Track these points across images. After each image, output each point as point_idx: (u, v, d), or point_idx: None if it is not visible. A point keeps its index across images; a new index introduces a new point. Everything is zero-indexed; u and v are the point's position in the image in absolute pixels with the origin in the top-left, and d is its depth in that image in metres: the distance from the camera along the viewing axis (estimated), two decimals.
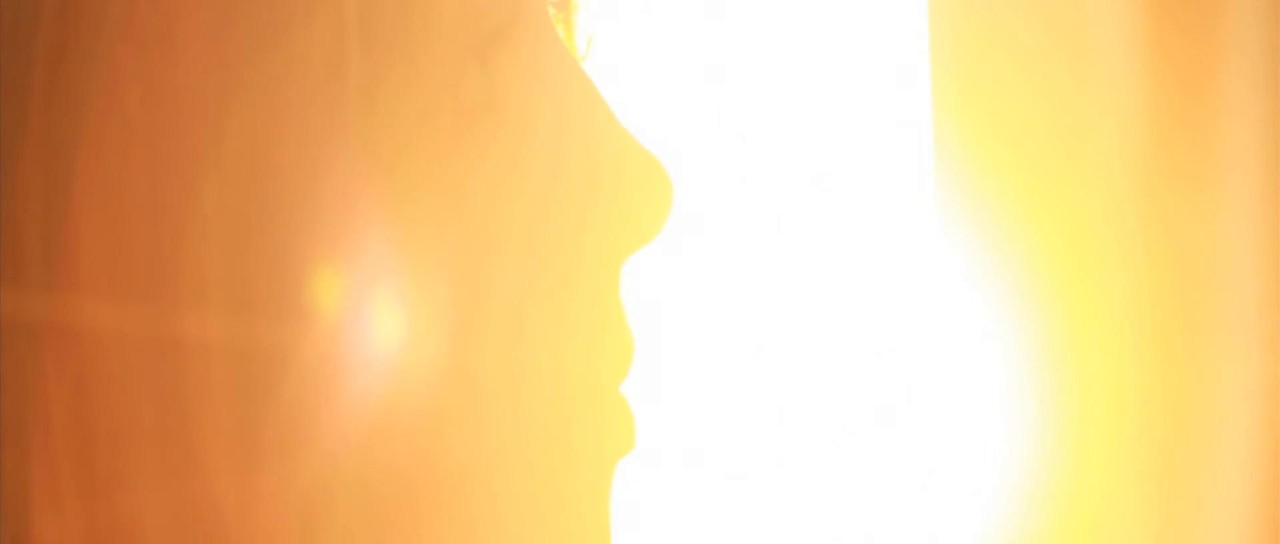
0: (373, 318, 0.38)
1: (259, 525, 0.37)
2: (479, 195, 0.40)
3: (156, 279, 0.37)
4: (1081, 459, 1.05)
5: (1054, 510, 1.05)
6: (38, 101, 0.36)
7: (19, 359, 0.36)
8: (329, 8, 0.37)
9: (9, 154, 0.36)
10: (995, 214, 1.04)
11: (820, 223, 1.09)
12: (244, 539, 0.37)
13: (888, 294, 1.09)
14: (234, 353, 0.37)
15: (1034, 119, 1.03)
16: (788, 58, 1.09)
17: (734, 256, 1.08)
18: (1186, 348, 1.04)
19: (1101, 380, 1.04)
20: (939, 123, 1.05)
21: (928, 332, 1.08)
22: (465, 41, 0.39)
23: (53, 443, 0.36)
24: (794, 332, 1.09)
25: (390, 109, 0.38)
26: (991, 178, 1.04)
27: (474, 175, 0.40)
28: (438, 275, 0.39)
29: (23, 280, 0.36)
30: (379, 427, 0.38)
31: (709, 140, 1.07)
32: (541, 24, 0.41)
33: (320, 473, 0.38)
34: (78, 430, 0.36)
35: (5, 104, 0.36)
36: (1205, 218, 1.02)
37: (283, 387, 0.37)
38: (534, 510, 0.41)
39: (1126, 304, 1.03)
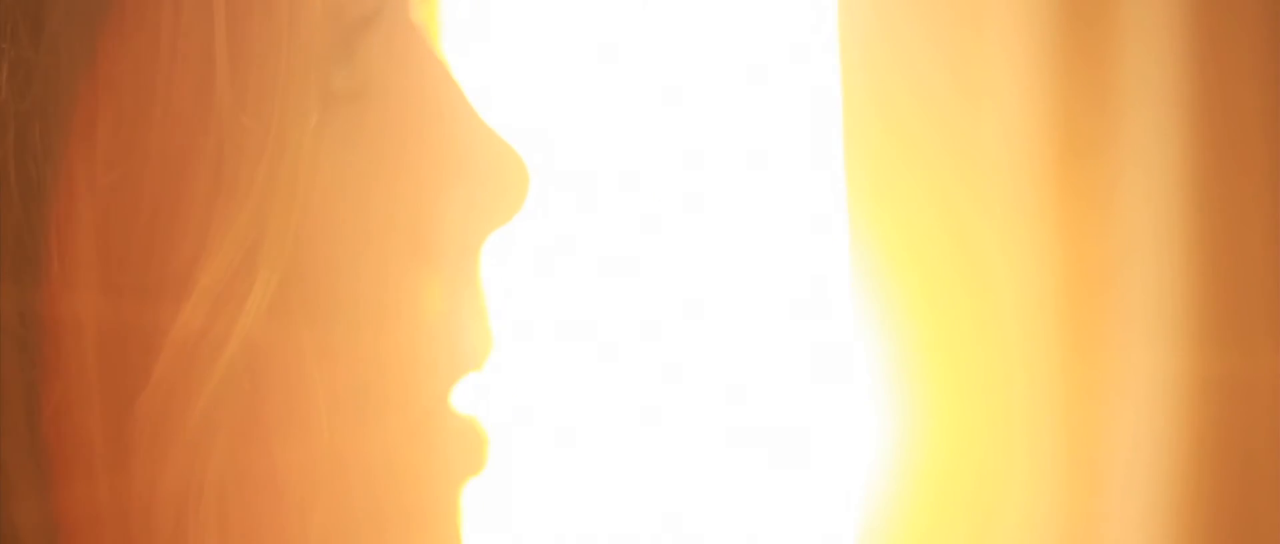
0: (239, 302, 0.38)
1: (133, 515, 0.37)
2: (345, 180, 0.40)
3: (27, 259, 0.37)
4: (969, 457, 1.06)
5: (945, 508, 1.07)
6: None
7: None
8: None
9: None
10: (900, 229, 1.06)
11: (724, 217, 1.10)
12: (118, 530, 0.37)
13: (788, 294, 1.10)
14: (104, 335, 0.37)
15: (932, 136, 1.05)
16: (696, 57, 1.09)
17: (631, 252, 1.09)
18: (1080, 353, 1.05)
19: (998, 383, 1.06)
20: (848, 139, 1.06)
21: (824, 331, 1.09)
22: (332, 30, 0.40)
23: None
24: (690, 332, 1.10)
25: (259, 95, 0.38)
26: (897, 193, 1.06)
27: (341, 161, 0.40)
28: (305, 259, 0.39)
29: None
30: (245, 413, 0.38)
31: (603, 144, 1.07)
32: (406, 13, 0.41)
33: (191, 466, 0.38)
34: None
35: None
36: (1095, 231, 1.04)
37: (152, 370, 0.37)
38: (377, 506, 0.41)
39: (1017, 309, 1.05)
